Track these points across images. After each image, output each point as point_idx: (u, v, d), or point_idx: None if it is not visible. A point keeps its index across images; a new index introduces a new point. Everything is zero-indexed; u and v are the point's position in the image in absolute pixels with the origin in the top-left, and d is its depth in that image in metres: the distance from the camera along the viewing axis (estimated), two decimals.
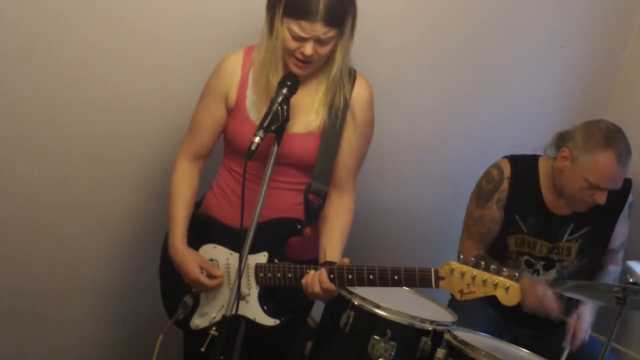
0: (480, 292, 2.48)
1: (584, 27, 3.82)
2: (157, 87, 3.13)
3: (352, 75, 2.76)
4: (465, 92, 3.68)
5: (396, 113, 3.54)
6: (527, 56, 3.75)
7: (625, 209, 3.33)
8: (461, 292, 2.49)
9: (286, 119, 2.57)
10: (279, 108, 2.56)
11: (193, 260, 2.75)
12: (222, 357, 2.49)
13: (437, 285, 2.53)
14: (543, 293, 3.15)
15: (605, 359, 2.78)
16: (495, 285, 2.46)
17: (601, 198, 3.13)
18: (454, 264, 2.51)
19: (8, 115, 3.01)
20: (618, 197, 3.28)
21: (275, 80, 2.67)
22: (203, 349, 2.73)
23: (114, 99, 3.10)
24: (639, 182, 3.41)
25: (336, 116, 2.72)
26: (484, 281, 2.47)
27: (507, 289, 2.45)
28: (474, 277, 2.48)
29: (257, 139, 2.51)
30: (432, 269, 2.53)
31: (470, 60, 3.65)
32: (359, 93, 2.77)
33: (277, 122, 2.55)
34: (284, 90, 2.59)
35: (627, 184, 3.31)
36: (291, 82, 2.60)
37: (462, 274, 2.49)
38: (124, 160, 3.20)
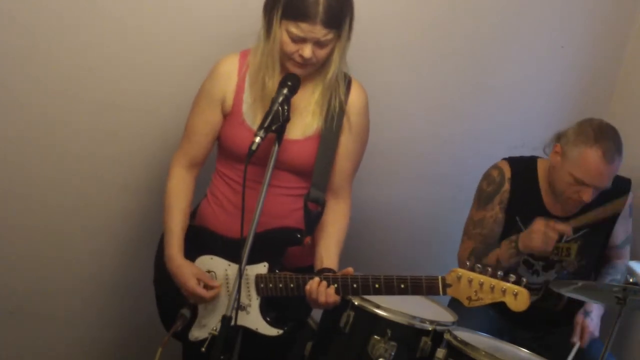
0: (488, 298, 2.46)
1: (584, 27, 3.81)
2: (158, 87, 3.13)
3: (347, 79, 2.74)
4: (465, 92, 3.68)
5: (396, 113, 3.54)
6: (527, 56, 3.74)
7: (626, 209, 3.32)
8: (469, 298, 2.47)
9: (287, 119, 2.55)
10: (280, 108, 2.54)
11: (189, 272, 2.70)
12: (222, 357, 2.49)
13: (444, 293, 2.51)
14: (539, 224, 3.08)
15: (605, 359, 2.78)
16: (504, 292, 2.44)
17: (587, 195, 3.09)
18: (461, 271, 2.48)
19: (8, 115, 3.01)
20: (617, 198, 3.27)
21: (271, 83, 2.66)
22: (203, 349, 2.71)
23: (114, 99, 3.10)
24: (639, 182, 3.40)
25: (332, 119, 2.71)
26: (492, 287, 2.44)
27: (515, 294, 2.42)
28: (481, 284, 2.46)
29: (257, 139, 2.49)
30: (439, 277, 2.51)
31: (470, 60, 3.65)
32: (354, 99, 2.75)
33: (277, 122, 2.53)
34: (285, 90, 2.58)
35: (626, 184, 3.30)
36: (292, 82, 2.59)
37: (470, 281, 2.47)
38: (123, 160, 3.20)
